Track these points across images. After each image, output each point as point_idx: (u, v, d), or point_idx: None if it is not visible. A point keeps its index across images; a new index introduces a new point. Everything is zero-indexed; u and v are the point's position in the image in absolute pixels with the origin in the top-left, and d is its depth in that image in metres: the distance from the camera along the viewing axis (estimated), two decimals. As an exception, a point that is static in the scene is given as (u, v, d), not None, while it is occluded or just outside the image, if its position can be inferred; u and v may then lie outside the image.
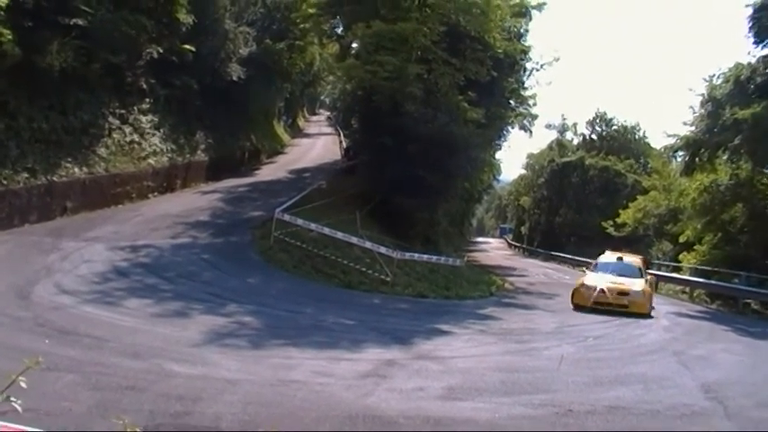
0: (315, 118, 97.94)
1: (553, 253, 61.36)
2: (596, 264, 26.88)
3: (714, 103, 34.74)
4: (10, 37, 21.55)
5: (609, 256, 27.21)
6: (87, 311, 13.96)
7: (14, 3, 21.42)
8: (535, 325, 20.76)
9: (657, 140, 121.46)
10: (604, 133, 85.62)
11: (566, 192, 76.33)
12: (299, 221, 24.30)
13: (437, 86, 33.09)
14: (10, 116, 22.77)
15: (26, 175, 22.36)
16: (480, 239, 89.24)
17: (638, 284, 23.64)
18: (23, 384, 3.50)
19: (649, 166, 72.67)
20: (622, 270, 25.00)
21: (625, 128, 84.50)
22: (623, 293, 22.93)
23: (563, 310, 23.95)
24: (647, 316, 22.44)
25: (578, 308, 22.90)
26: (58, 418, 7.84)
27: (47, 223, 22.74)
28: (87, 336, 12.14)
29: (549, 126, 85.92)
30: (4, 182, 21.19)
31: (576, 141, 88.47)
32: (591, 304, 22.42)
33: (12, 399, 3.50)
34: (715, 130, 34.22)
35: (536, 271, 46.40)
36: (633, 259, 26.79)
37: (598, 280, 23.67)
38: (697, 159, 37.03)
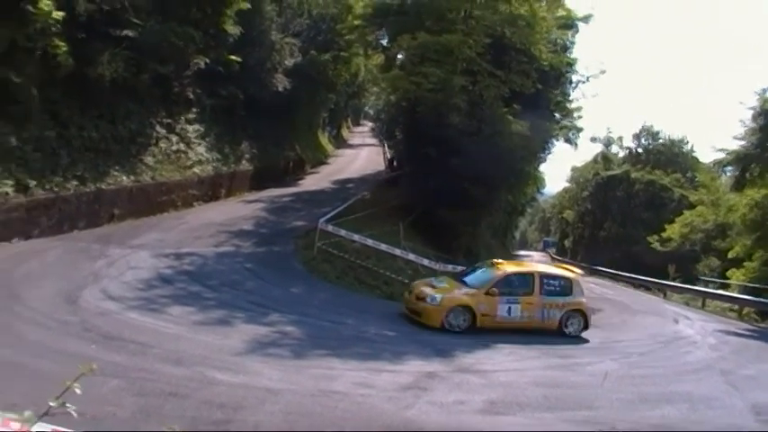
0: (359, 129, 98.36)
1: (597, 267, 60.48)
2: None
3: (766, 117, 33.99)
4: (65, 49, 22.16)
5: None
6: (132, 318, 14.14)
7: (70, 16, 22.01)
8: (578, 340, 20.46)
9: (706, 154, 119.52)
10: (651, 147, 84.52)
11: (610, 205, 75.39)
12: (343, 232, 24.34)
13: (482, 98, 32.87)
14: (62, 125, 23.37)
15: (76, 182, 22.81)
16: (523, 252, 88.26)
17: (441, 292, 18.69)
18: (78, 390, 3.52)
19: (697, 180, 71.45)
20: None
21: (672, 141, 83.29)
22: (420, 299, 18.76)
23: (606, 326, 23.55)
24: None
25: None
26: (102, 422, 7.93)
27: (94, 230, 23.13)
28: (132, 342, 12.30)
29: (593, 139, 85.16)
30: (55, 189, 21.62)
31: (621, 155, 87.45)
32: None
33: (67, 405, 3.54)
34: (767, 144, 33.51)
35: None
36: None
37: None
38: (748, 174, 36.26)
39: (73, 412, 3.51)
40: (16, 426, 3.78)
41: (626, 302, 34.39)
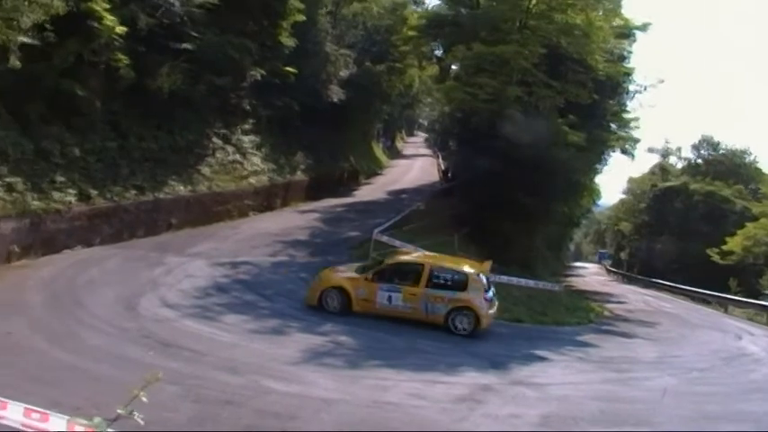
0: (412, 139, 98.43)
1: (654, 280, 59.16)
2: None
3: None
4: (126, 62, 22.77)
5: None
6: (188, 325, 14.34)
7: (131, 30, 22.60)
8: (635, 354, 20.06)
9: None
10: (710, 157, 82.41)
11: (668, 218, 73.64)
12: (397, 242, 24.27)
13: (537, 109, 32.51)
14: (122, 136, 24.01)
15: (135, 192, 23.33)
16: (578, 264, 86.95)
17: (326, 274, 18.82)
18: (144, 399, 3.55)
19: (760, 191, 69.35)
20: None
21: (733, 152, 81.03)
22: None
23: (664, 339, 23.03)
24: None
25: None
26: (159, 429, 8.00)
27: (152, 238, 23.58)
28: (188, 349, 12.46)
29: (651, 150, 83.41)
30: (116, 198, 22.13)
31: (679, 165, 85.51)
32: None
33: (135, 413, 3.57)
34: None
35: (635, 298, 44.83)
36: None
37: None
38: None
39: (140, 420, 3.54)
40: (80, 429, 3.83)
41: (684, 316, 33.56)
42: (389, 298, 17.55)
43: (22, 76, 19.02)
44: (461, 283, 17.71)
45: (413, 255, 20.32)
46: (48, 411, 5.03)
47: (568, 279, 52.99)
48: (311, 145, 39.70)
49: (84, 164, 21.48)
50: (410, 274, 17.96)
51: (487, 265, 19.92)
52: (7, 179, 18.20)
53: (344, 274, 18.36)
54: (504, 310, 22.83)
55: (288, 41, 33.49)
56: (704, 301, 45.23)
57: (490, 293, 18.11)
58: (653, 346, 21.90)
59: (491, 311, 17.95)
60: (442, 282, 17.65)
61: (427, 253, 21.10)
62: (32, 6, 17.34)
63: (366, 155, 57.84)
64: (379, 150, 67.41)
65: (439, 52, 45.14)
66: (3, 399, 5.31)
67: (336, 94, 39.93)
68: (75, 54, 21.02)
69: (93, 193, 21.15)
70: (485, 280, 18.04)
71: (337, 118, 41.42)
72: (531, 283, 26.78)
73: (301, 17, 33.96)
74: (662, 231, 73.66)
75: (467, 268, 18.20)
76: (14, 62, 17.78)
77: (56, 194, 19.62)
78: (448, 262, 18.88)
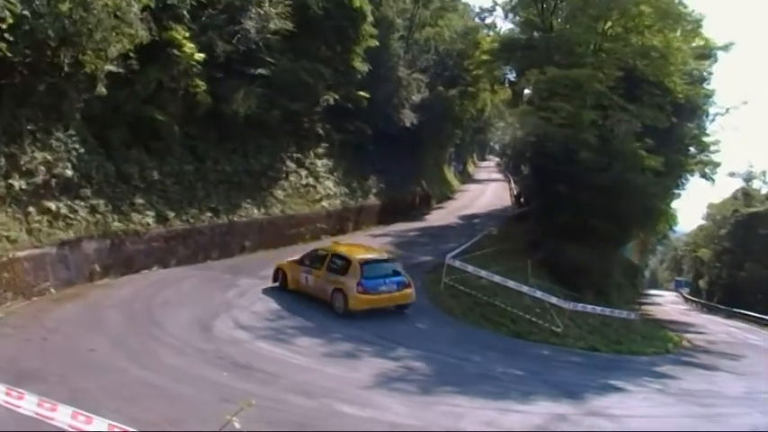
0: (484, 164, 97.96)
1: (737, 310, 56.87)
2: None
3: None
4: (204, 87, 23.40)
5: None
6: (261, 347, 14.45)
7: (209, 57, 23.22)
8: (719, 388, 19.27)
9: None
10: (797, 181, 79.22)
11: (752, 245, 70.74)
12: (470, 268, 24.00)
13: (612, 133, 32.00)
14: (199, 159, 24.63)
15: (210, 214, 23.86)
16: (653, 292, 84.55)
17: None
18: (237, 425, 3.54)
19: None
20: None
21: (822, 176, 77.73)
22: None
23: (752, 374, 22.07)
24: None
25: None
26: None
27: (226, 260, 23.97)
28: (261, 371, 12.54)
29: (732, 174, 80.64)
30: (191, 220, 22.64)
31: (764, 191, 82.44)
32: None
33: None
34: None
35: (717, 329, 43.22)
36: None
37: None
38: None
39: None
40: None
41: (774, 350, 32.05)
42: (306, 279, 19.90)
43: (108, 103, 19.75)
44: (344, 268, 19.25)
45: (334, 244, 22.44)
46: (92, 415, 5.14)
47: (644, 307, 51.59)
48: (383, 169, 39.84)
49: (162, 186, 22.13)
50: (320, 259, 20.07)
51: (380, 250, 23.01)
52: (91, 201, 18.89)
53: (290, 259, 21.32)
54: (578, 337, 22.38)
55: (361, 66, 33.83)
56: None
57: (372, 282, 19.02)
58: (739, 380, 21.00)
59: (366, 296, 18.78)
60: (335, 267, 19.46)
61: (351, 243, 23.93)
62: (119, 37, 17.95)
63: (438, 179, 57.72)
64: (450, 174, 67.19)
65: (512, 76, 44.99)
66: (52, 401, 5.47)
67: (409, 118, 40.02)
68: (155, 81, 21.70)
69: (171, 215, 21.74)
70: (364, 267, 19.14)
71: (409, 142, 41.50)
72: (606, 310, 26.13)
73: (374, 42, 34.27)
74: (745, 259, 70.86)
75: (352, 256, 19.67)
76: (101, 89, 18.45)
77: (135, 216, 20.24)
78: (345, 249, 20.81)
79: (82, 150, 18.85)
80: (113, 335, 13.76)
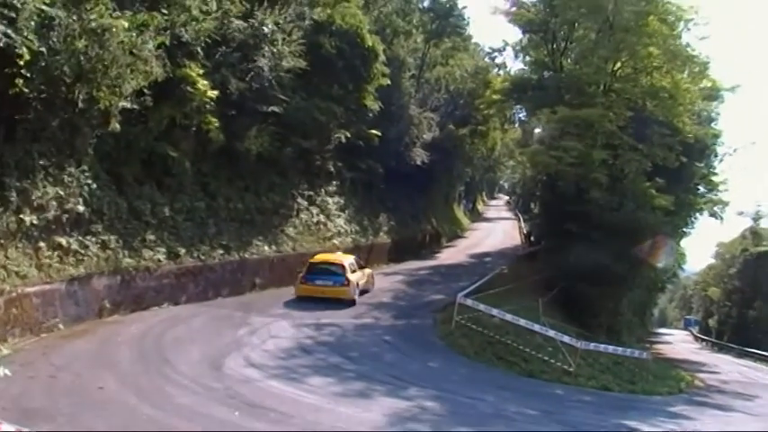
0: (494, 202, 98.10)
1: (748, 349, 56.15)
2: None
3: None
4: (216, 124, 23.50)
5: None
6: (273, 386, 14.17)
7: (222, 94, 23.33)
8: (735, 428, 18.80)
9: None
10: (805, 221, 78.83)
11: (761, 284, 70.14)
12: (481, 307, 23.71)
13: (623, 172, 32.04)
14: (211, 196, 24.61)
15: (221, 251, 23.73)
16: (663, 330, 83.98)
17: None
18: None
19: None
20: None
21: (826, 216, 77.34)
22: None
23: (766, 415, 21.55)
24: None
25: None
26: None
27: (237, 297, 23.81)
28: (273, 410, 12.29)
29: (741, 213, 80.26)
30: (202, 257, 22.51)
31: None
32: None
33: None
34: None
35: (729, 368, 42.62)
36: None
37: None
38: None
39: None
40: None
41: (786, 390, 31.44)
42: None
43: (121, 139, 19.77)
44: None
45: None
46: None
47: (655, 346, 51.05)
48: (394, 207, 39.86)
49: (173, 223, 22.04)
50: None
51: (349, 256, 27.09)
52: (102, 237, 18.75)
53: None
54: (590, 376, 22.00)
55: (372, 105, 33.99)
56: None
57: (313, 276, 24.51)
58: (755, 421, 20.59)
59: (305, 285, 24.50)
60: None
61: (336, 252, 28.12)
62: (134, 74, 18.01)
63: (448, 217, 57.71)
64: (460, 213, 67.23)
65: (522, 115, 45.11)
66: None
67: (420, 156, 40.15)
68: (169, 117, 21.73)
69: (182, 251, 21.60)
70: (311, 267, 24.82)
71: (420, 180, 41.60)
72: (618, 350, 25.68)
73: (386, 81, 34.49)
74: (755, 298, 70.29)
75: (314, 258, 25.52)
76: (114, 126, 18.45)
77: (146, 253, 20.10)
78: (321, 256, 26.26)
79: (94, 186, 18.75)
80: (123, 372, 13.54)
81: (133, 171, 21.08)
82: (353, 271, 25.42)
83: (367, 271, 27.84)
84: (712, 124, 41.14)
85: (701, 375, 33.41)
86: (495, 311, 23.49)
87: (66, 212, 17.65)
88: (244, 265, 24.86)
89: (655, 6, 33.26)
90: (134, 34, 17.70)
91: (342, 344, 19.43)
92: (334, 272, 24.59)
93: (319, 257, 25.66)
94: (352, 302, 24.57)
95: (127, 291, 19.25)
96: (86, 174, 18.54)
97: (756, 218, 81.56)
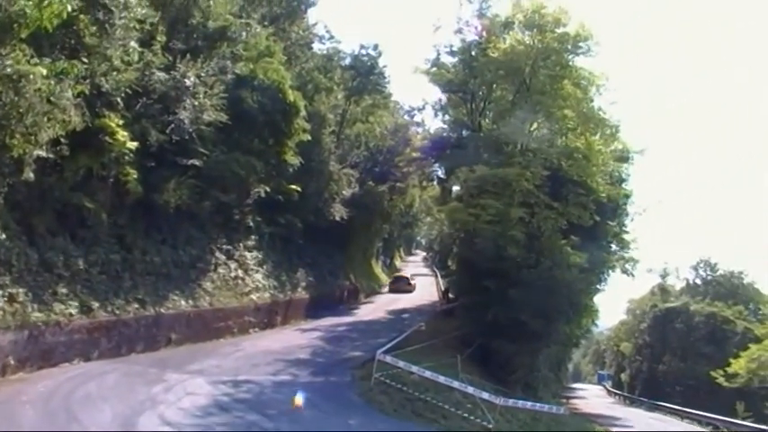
0: (411, 258, 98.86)
1: (658, 403, 57.83)
2: None
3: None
4: (135, 176, 23.05)
5: None
6: (189, 446, 13.73)
7: (142, 145, 22.96)
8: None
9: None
10: (709, 278, 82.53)
11: (669, 339, 72.80)
12: (401, 363, 23.68)
13: (539, 230, 32.90)
14: (127, 249, 23.92)
15: (137, 305, 23.01)
16: (577, 385, 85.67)
17: None
18: None
19: (761, 312, 69.01)
20: None
21: (731, 273, 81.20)
22: None
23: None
24: None
25: None
26: None
27: (152, 353, 23.07)
28: (189, 471, 11.87)
29: (650, 270, 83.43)
30: (117, 311, 21.78)
31: (679, 286, 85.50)
32: None
33: None
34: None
35: (641, 421, 43.81)
36: None
37: None
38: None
39: None
40: None
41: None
42: None
43: (34, 189, 19.15)
44: None
45: None
46: None
47: (571, 401, 51.88)
48: (313, 262, 39.76)
49: (87, 276, 21.23)
50: None
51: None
52: (9, 290, 17.88)
53: None
54: (512, 435, 22.18)
55: (293, 160, 34.03)
56: (713, 425, 44.05)
57: None
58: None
59: None
60: None
61: None
62: (51, 122, 17.55)
63: (366, 273, 57.78)
64: (378, 269, 67.38)
65: (441, 173, 45.94)
66: None
67: (339, 212, 40.38)
68: (85, 167, 21.24)
69: (95, 305, 20.81)
70: None
71: (339, 236, 41.75)
72: (536, 405, 26.05)
73: (307, 136, 34.63)
74: (664, 352, 72.88)
75: None
76: (28, 175, 17.88)
77: (57, 306, 19.27)
78: None
79: (3, 236, 17.99)
80: (26, 434, 12.83)
81: (46, 221, 20.33)
82: None
83: None
84: (623, 184, 42.73)
85: (615, 430, 34.09)
86: (414, 368, 23.49)
87: (-29, 265, 16.91)
88: (159, 319, 24.12)
89: (569, 72, 34.87)
90: (52, 82, 17.12)
91: (260, 401, 19.04)
92: None
93: None
94: None
95: (35, 346, 18.30)
96: (-6, 224, 17.85)
97: (664, 275, 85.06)
